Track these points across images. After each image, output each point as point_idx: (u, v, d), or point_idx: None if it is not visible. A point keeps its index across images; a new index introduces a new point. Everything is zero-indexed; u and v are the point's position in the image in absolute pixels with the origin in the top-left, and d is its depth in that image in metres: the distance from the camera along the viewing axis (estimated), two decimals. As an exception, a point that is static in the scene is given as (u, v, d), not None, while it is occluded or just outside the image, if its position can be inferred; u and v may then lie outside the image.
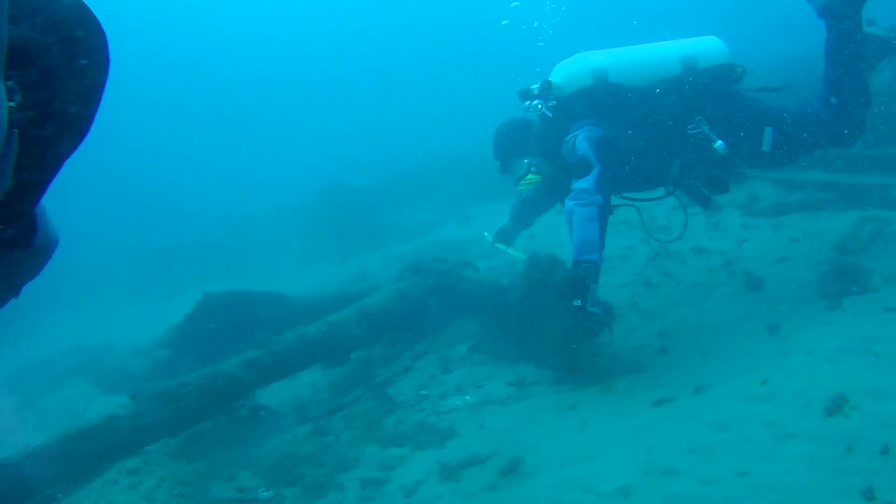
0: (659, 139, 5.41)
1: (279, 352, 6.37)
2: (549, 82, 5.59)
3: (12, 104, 1.31)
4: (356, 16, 44.32)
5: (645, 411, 4.68)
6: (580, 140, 5.32)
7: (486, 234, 7.25)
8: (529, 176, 5.82)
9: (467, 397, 6.09)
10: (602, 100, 5.48)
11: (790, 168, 6.82)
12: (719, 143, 5.20)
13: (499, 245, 7.04)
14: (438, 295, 7.63)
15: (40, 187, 1.59)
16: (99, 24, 1.65)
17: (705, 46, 5.63)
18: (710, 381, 4.75)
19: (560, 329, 5.82)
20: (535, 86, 5.64)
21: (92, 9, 1.64)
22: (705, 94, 5.40)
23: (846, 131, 5.32)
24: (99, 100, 1.64)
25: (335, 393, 6.96)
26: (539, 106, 5.57)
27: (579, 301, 5.07)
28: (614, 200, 5.67)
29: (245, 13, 46.59)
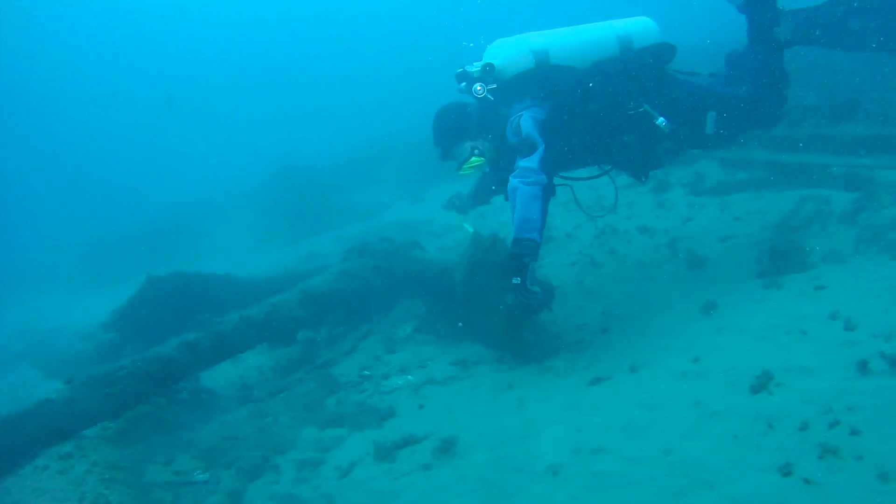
0: (600, 120, 5.41)
1: (219, 334, 6.26)
2: (491, 65, 5.49)
3: None
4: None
5: (580, 390, 4.69)
6: (525, 119, 5.28)
7: (465, 225, 7.09)
8: (473, 159, 5.77)
9: (409, 377, 6.07)
10: (544, 82, 5.43)
11: (728, 149, 6.97)
12: (661, 119, 5.22)
13: (451, 211, 6.92)
14: (384, 275, 7.57)
15: None
16: None
17: (639, 26, 5.64)
18: (646, 359, 4.77)
19: (502, 308, 5.82)
20: (472, 68, 5.55)
21: None
22: (645, 74, 5.43)
23: (774, 112, 5.52)
24: None
25: (279, 374, 6.91)
26: (480, 88, 5.49)
27: (518, 279, 5.04)
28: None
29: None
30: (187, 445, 5.49)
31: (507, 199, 5.65)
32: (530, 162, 5.17)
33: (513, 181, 5.18)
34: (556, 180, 5.70)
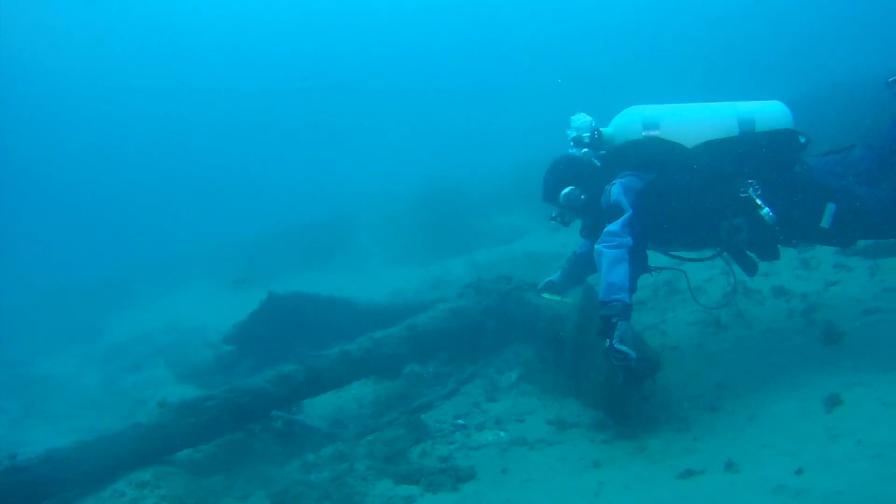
0: (706, 199, 5.25)
1: (315, 368, 6.23)
2: (599, 131, 5.60)
3: None
4: (472, 22, 44.61)
5: (666, 483, 4.24)
6: (615, 187, 5.27)
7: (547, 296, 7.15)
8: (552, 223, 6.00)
9: (501, 433, 5.80)
10: (649, 154, 5.40)
11: (846, 249, 6.54)
12: (766, 210, 5.05)
13: (546, 295, 7.07)
14: (496, 316, 7.33)
15: None
16: None
17: (767, 110, 5.47)
18: (746, 457, 4.25)
19: (605, 370, 5.46)
20: (586, 134, 5.64)
21: None
22: (760, 158, 5.21)
23: None
24: None
25: (377, 409, 6.79)
26: (589, 154, 5.67)
27: (608, 341, 4.83)
28: (663, 261, 5.71)
29: (367, 16, 47.40)
30: (265, 482, 5.45)
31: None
32: (614, 226, 5.10)
33: (597, 247, 5.14)
34: (669, 261, 5.76)
